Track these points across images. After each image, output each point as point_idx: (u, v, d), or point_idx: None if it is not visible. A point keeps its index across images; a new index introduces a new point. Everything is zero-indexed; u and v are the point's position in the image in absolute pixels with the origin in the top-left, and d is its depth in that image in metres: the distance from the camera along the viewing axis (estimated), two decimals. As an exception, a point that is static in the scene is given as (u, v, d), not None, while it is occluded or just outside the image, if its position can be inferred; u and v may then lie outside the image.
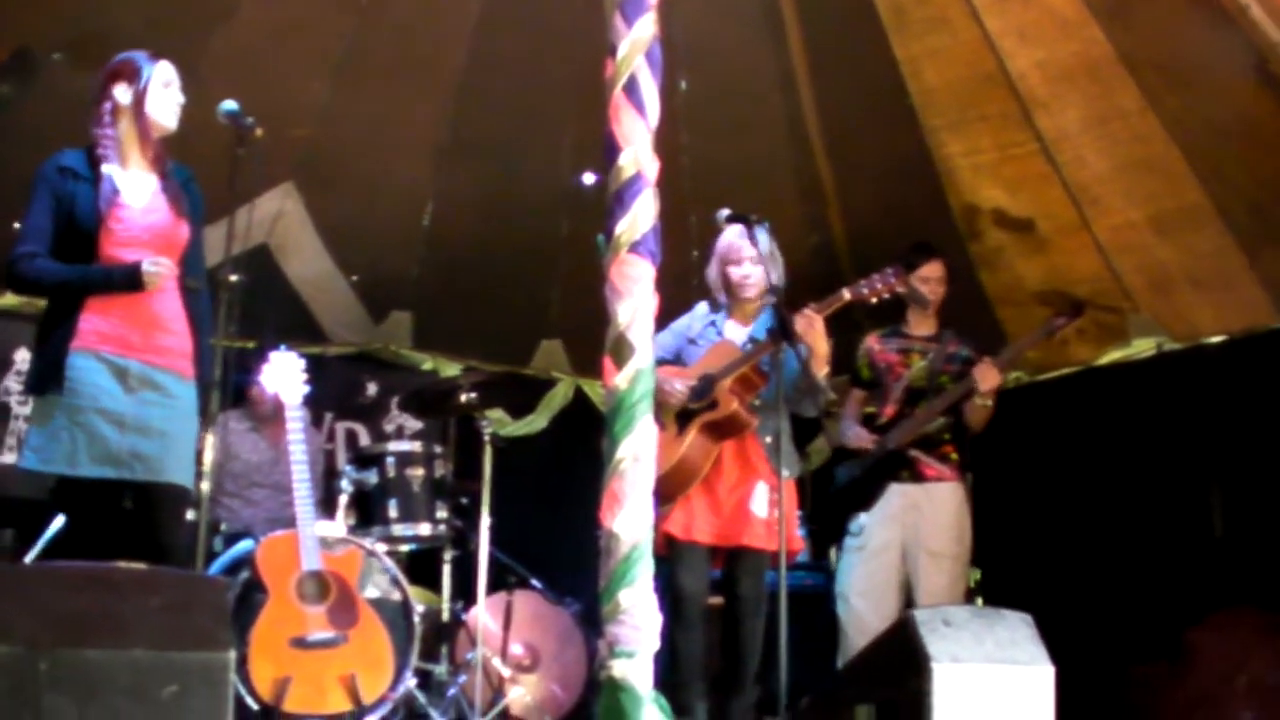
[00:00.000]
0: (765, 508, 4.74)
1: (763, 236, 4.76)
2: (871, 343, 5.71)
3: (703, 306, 5.09)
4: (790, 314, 4.61)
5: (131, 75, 4.06)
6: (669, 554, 4.67)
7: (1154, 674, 5.48)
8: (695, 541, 4.73)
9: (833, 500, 5.69)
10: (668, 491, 4.64)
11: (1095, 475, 6.31)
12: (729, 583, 4.84)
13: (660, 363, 4.67)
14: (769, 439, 4.78)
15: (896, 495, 5.46)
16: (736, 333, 4.96)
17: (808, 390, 4.70)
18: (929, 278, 5.59)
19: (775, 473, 4.60)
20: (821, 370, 4.71)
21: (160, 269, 3.91)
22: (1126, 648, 5.72)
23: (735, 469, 4.80)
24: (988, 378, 5.31)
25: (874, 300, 4.77)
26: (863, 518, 5.48)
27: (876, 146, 6.49)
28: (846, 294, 4.72)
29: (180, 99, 4.13)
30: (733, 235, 4.92)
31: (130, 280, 3.91)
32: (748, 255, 4.89)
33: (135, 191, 4.06)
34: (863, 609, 5.38)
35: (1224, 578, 5.76)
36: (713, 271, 5.03)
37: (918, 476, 5.46)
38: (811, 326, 4.64)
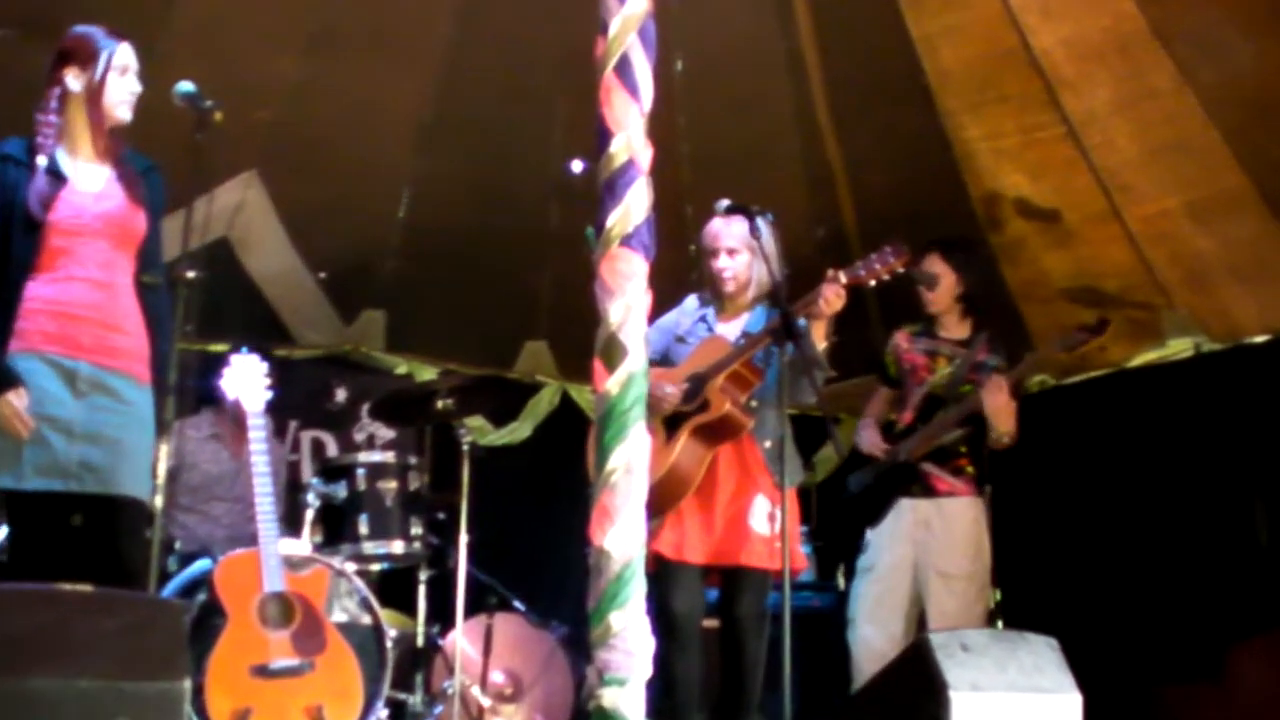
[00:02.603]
0: (765, 523, 4.74)
1: (764, 228, 4.76)
2: (900, 339, 5.69)
3: (691, 301, 5.10)
4: (793, 308, 4.61)
5: (86, 59, 4.02)
6: (658, 573, 4.67)
7: (1192, 696, 5.48)
8: (687, 561, 4.73)
9: (842, 510, 5.68)
10: (657, 505, 4.59)
11: (1127, 486, 6.32)
12: (727, 603, 4.84)
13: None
14: (769, 444, 4.77)
15: (906, 511, 5.45)
16: (728, 329, 4.96)
17: (806, 364, 4.62)
18: (919, 264, 5.56)
19: (776, 483, 4.61)
20: (822, 342, 4.70)
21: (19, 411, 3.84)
22: (1163, 672, 5.72)
23: (731, 480, 4.80)
24: (993, 397, 5.28)
25: (872, 283, 4.73)
26: (869, 534, 5.48)
27: (890, 131, 6.50)
28: (843, 277, 4.68)
29: (136, 88, 4.10)
30: (713, 223, 4.94)
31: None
32: (725, 245, 4.92)
33: (87, 178, 4.04)
34: (871, 635, 5.37)
35: (1270, 594, 5.76)
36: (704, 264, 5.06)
37: (929, 490, 5.44)
38: (840, 296, 4.61)
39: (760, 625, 4.77)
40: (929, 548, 5.40)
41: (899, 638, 5.26)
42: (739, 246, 4.88)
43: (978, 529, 5.44)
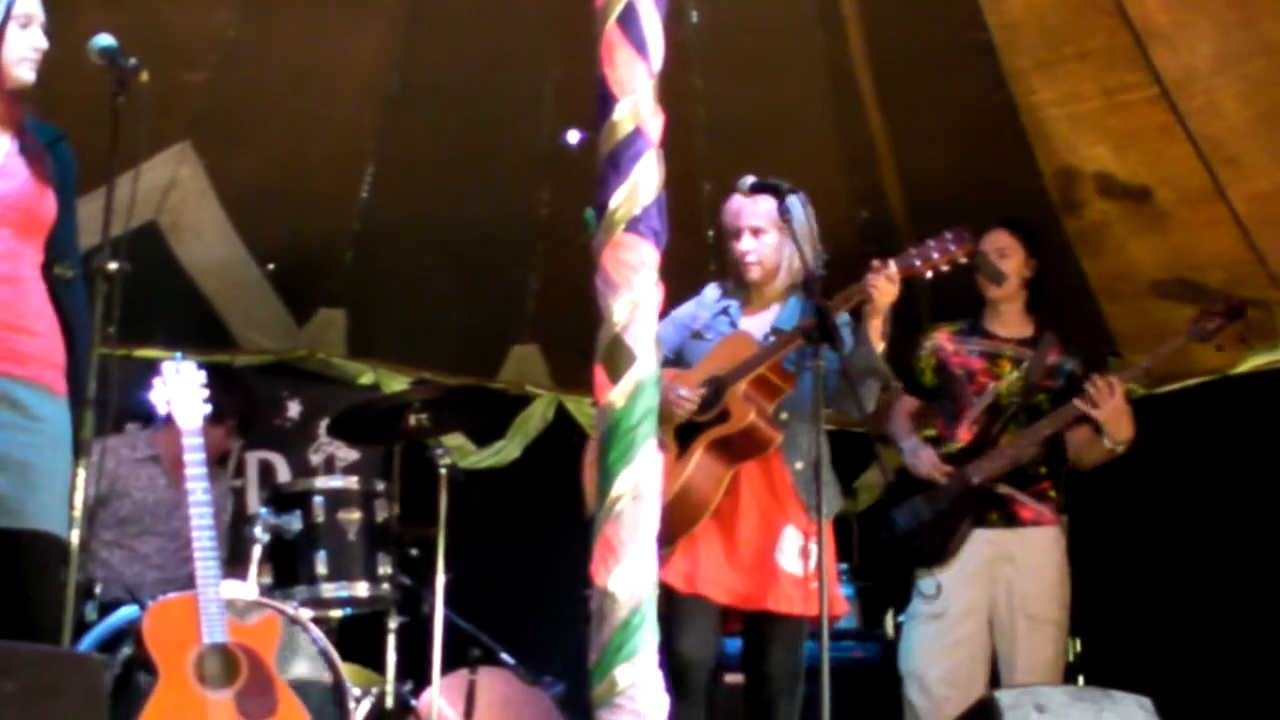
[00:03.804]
0: (796, 560, 4.73)
1: (796, 208, 4.75)
2: (941, 340, 5.66)
3: (712, 290, 5.12)
4: (831, 302, 4.59)
5: None
6: (666, 611, 4.64)
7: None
8: (702, 596, 4.71)
9: (893, 549, 5.64)
10: (667, 530, 4.58)
11: (1233, 515, 6.29)
12: (753, 657, 4.85)
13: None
14: (800, 465, 4.78)
15: (982, 543, 5.42)
16: (754, 323, 4.98)
17: (864, 371, 4.67)
18: (986, 252, 5.55)
19: (807, 512, 4.62)
20: (880, 343, 4.70)
21: None
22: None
23: (755, 507, 4.80)
24: (1108, 401, 5.24)
25: (929, 274, 4.75)
26: (939, 575, 5.42)
27: (944, 96, 6.49)
28: (894, 266, 4.69)
29: (42, 44, 4.07)
30: (736, 199, 4.95)
31: None
32: (749, 224, 4.94)
33: (-16, 152, 4.01)
34: (944, 696, 5.29)
35: None
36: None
37: (1011, 519, 5.41)
38: (891, 284, 4.63)
39: (794, 684, 4.77)
40: (1013, 587, 5.37)
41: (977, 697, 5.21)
42: (765, 226, 4.89)
43: (1064, 566, 5.42)
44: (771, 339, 4.84)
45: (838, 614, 5.02)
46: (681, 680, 4.63)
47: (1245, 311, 5.44)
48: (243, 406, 6.24)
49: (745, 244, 4.94)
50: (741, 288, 5.05)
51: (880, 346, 4.71)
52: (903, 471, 5.63)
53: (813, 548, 4.68)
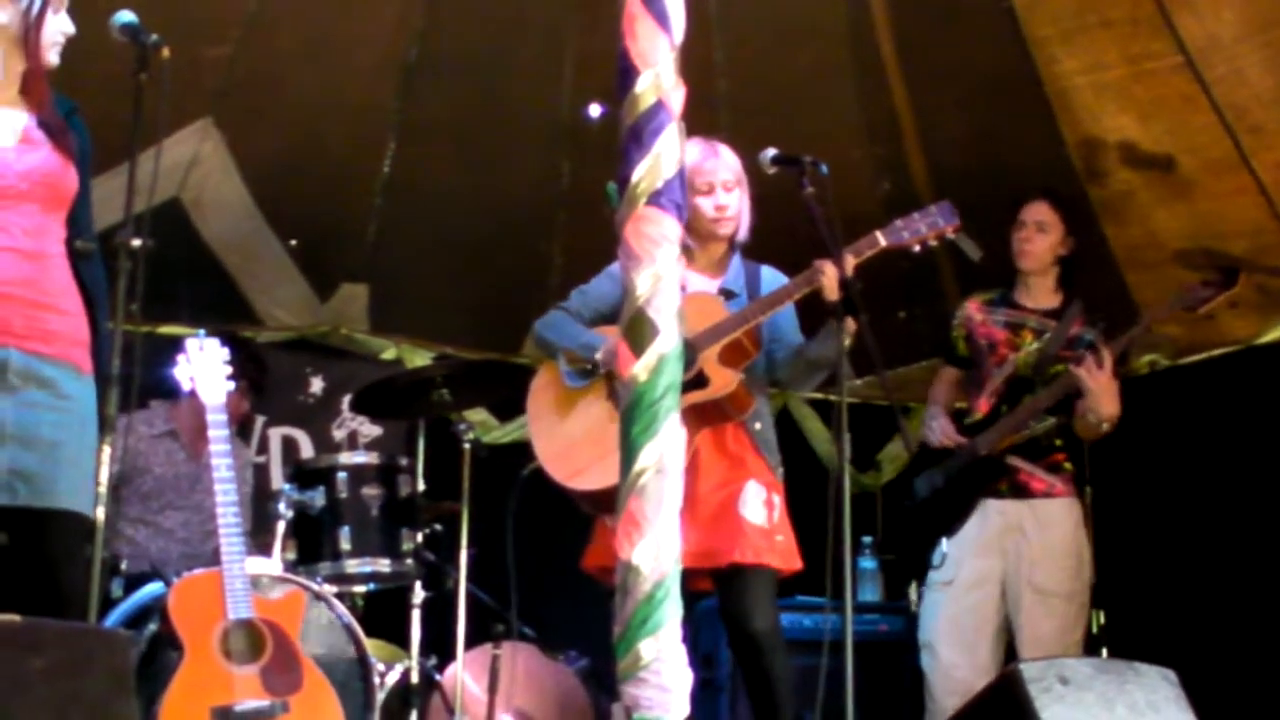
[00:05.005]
0: (761, 510, 4.75)
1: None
2: (972, 310, 5.68)
3: None
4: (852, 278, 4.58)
5: None
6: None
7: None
8: None
9: (911, 519, 5.65)
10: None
11: (1258, 487, 6.26)
12: (735, 617, 4.82)
13: (598, 320, 4.66)
14: (759, 426, 4.84)
15: (993, 514, 5.43)
16: (702, 284, 4.97)
17: (816, 362, 4.75)
18: (1025, 221, 5.56)
19: (772, 469, 4.74)
20: (846, 341, 4.67)
21: None
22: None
23: (715, 467, 4.82)
24: (1094, 374, 5.23)
25: (917, 248, 4.75)
26: (945, 544, 5.44)
27: (967, 65, 6.46)
28: (882, 239, 4.70)
29: (70, 28, 4.06)
30: (698, 153, 4.93)
31: None
32: (723, 180, 4.92)
33: (3, 128, 3.99)
34: (952, 663, 5.35)
35: None
36: None
37: (1020, 490, 5.42)
38: (832, 284, 4.62)
39: (780, 636, 4.77)
40: (1021, 558, 5.38)
41: (986, 666, 5.23)
42: (735, 182, 4.90)
43: (1079, 537, 5.42)
44: (725, 301, 4.88)
45: (794, 569, 4.94)
46: None
47: (1238, 279, 5.42)
48: (250, 368, 6.24)
49: (722, 198, 4.92)
50: (683, 247, 5.01)
51: (846, 343, 4.65)
52: (925, 443, 5.66)
53: (776, 499, 4.77)
